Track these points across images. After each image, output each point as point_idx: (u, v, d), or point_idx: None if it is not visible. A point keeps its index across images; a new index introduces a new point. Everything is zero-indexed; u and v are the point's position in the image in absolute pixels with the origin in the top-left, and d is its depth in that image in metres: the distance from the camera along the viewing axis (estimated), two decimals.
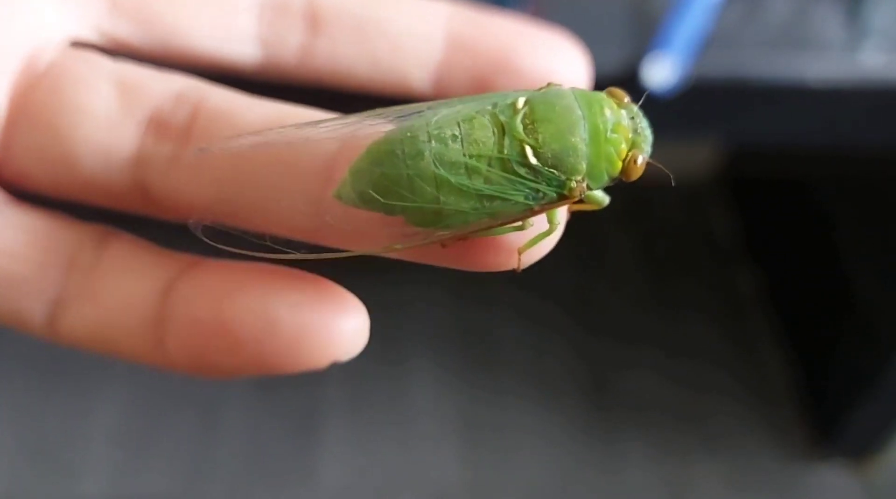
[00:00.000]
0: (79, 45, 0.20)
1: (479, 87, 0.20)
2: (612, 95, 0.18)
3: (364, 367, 0.70)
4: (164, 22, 0.20)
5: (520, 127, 0.17)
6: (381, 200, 0.18)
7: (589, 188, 0.18)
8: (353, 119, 0.18)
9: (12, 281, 0.19)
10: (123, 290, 0.19)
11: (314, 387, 0.69)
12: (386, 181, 0.17)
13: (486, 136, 0.17)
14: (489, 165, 0.17)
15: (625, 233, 0.76)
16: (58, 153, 0.19)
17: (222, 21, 0.20)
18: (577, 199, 0.18)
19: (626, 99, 0.18)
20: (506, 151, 0.17)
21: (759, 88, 0.41)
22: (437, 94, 0.20)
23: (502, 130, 0.17)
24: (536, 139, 0.17)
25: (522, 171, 0.17)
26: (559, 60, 0.20)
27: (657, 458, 0.68)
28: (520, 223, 0.18)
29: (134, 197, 0.20)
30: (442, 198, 0.17)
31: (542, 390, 0.70)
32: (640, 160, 0.18)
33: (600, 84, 0.22)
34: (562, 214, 0.18)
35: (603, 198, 0.19)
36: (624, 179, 0.18)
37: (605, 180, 0.18)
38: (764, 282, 0.76)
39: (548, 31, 0.20)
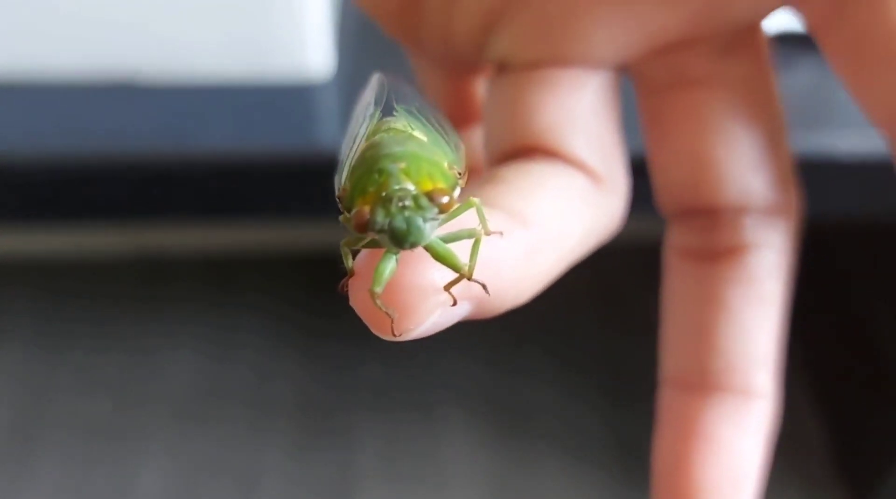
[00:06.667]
0: None
1: None
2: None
3: (397, 434, 0.70)
4: None
5: None
6: None
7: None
8: None
9: None
10: None
11: (348, 453, 0.69)
12: None
13: None
14: None
15: (657, 298, 0.76)
16: None
17: None
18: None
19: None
20: None
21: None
22: None
23: None
24: None
25: None
26: None
27: None
28: None
29: None
30: None
31: (575, 458, 0.70)
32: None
33: None
34: None
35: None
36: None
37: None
38: (797, 352, 0.76)
39: None
